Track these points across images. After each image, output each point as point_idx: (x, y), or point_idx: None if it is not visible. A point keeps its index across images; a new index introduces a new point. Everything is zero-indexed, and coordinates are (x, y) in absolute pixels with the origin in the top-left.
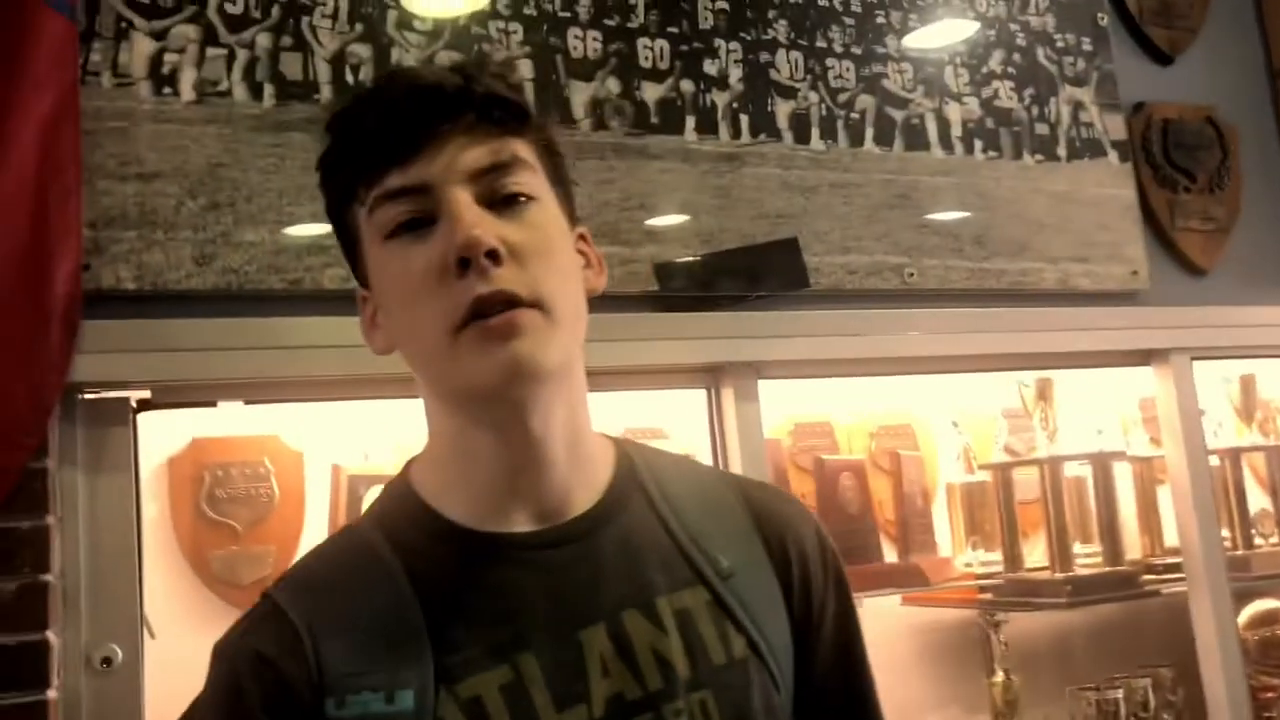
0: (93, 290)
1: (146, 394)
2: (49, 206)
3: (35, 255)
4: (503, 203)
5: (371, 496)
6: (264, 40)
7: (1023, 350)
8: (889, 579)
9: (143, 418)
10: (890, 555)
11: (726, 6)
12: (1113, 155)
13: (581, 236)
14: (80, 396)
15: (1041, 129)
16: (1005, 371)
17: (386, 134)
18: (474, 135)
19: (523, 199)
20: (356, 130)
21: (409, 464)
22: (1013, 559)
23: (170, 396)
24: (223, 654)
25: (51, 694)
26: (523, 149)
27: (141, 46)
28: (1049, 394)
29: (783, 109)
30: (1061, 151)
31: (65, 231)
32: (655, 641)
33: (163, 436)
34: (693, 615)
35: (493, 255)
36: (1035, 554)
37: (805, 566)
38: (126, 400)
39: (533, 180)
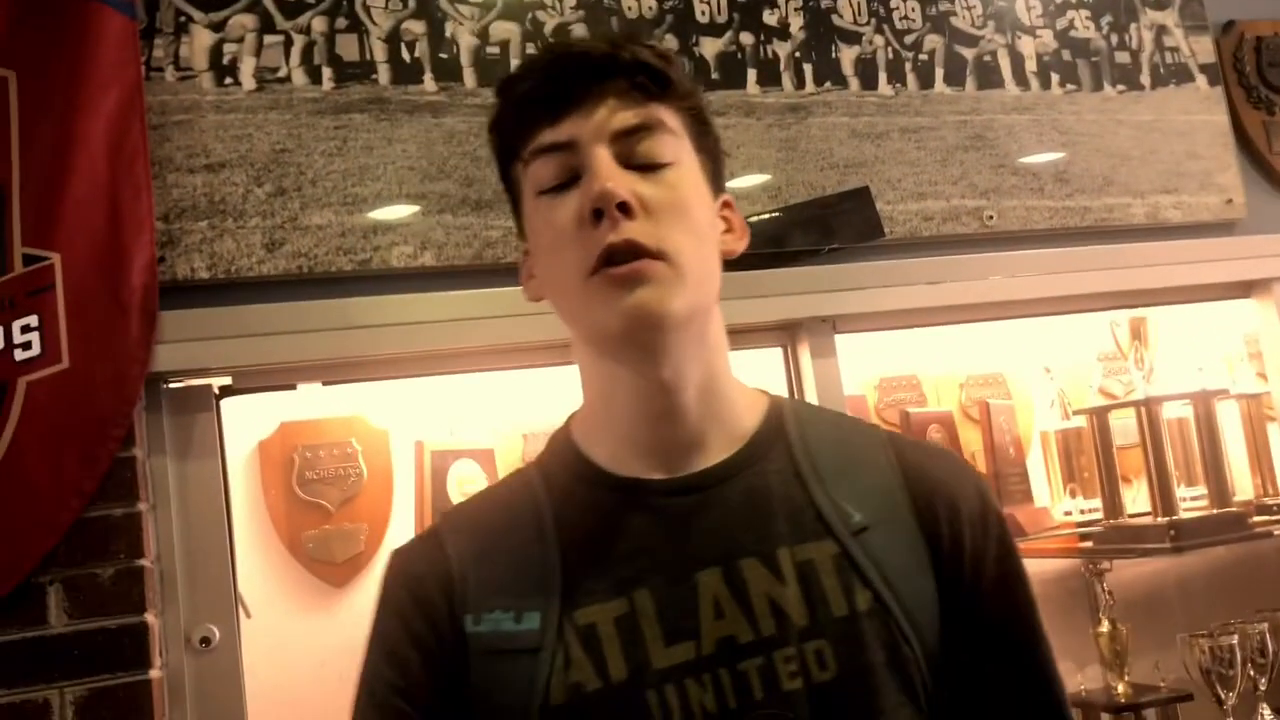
0: (168, 281)
1: (228, 380)
2: (121, 203)
3: (111, 251)
4: (643, 163)
5: (456, 471)
6: (319, 24)
7: (1113, 289)
8: None
9: (229, 403)
10: None
11: None
12: (1201, 79)
13: (726, 204)
14: (164, 385)
15: (1122, 57)
16: (1096, 313)
17: (541, 94)
18: (622, 99)
19: (662, 160)
20: (516, 92)
21: (572, 415)
22: (1113, 506)
23: (250, 381)
24: (388, 565)
25: (154, 673)
26: (667, 115)
27: (201, 39)
28: (1143, 333)
29: (847, 55)
30: (1145, 79)
31: (138, 226)
32: (771, 590)
33: (252, 421)
34: (816, 567)
35: (624, 208)
36: (1138, 500)
37: (957, 529)
38: (209, 387)
39: (675, 144)
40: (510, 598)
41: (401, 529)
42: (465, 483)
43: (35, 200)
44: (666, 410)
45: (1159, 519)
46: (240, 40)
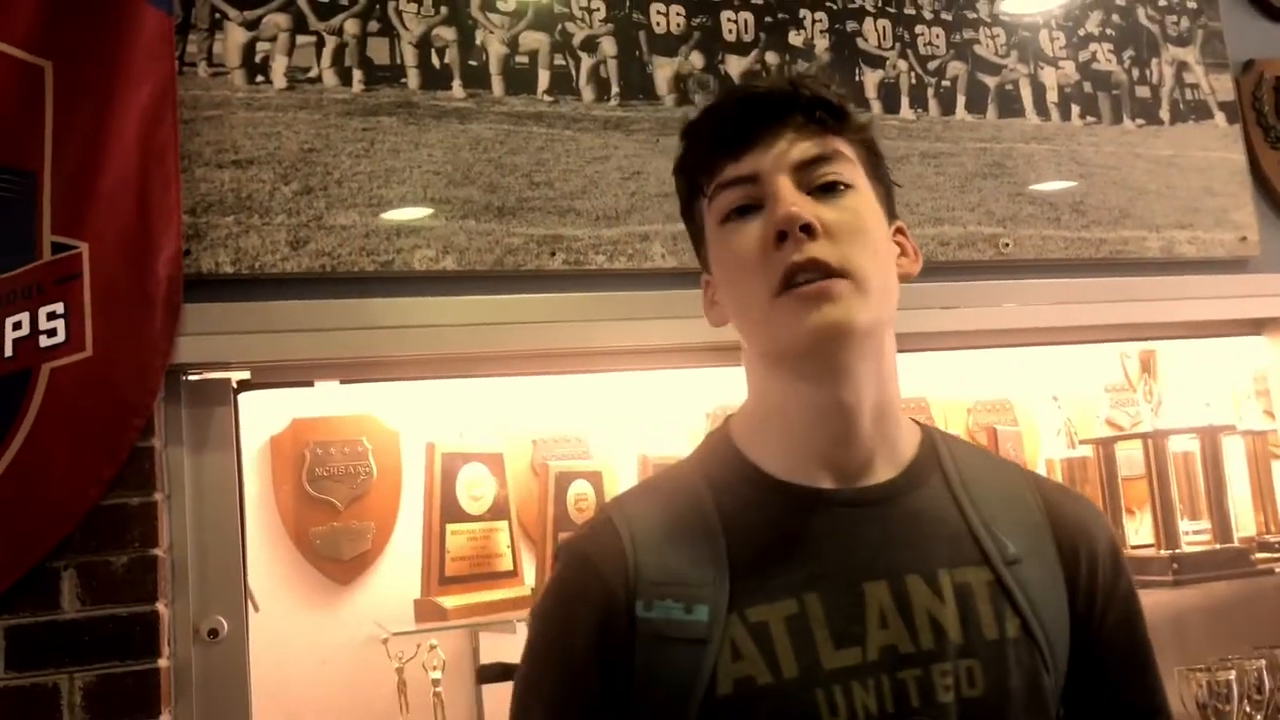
0: (193, 274)
1: (246, 374)
2: (150, 195)
3: (139, 242)
4: (822, 189)
5: (466, 474)
6: (351, 26)
7: (1125, 321)
8: None
9: (244, 398)
10: None
11: None
12: (1220, 117)
13: (899, 230)
14: (184, 377)
15: (1142, 92)
16: (1107, 344)
17: (724, 132)
18: (800, 133)
19: (841, 186)
20: (701, 132)
21: (729, 418)
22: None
23: (269, 377)
24: (561, 552)
25: (162, 662)
26: (843, 145)
27: (235, 36)
28: (1152, 366)
29: (870, 78)
30: (1164, 114)
31: (166, 218)
32: (932, 606)
33: (264, 416)
34: (972, 590)
35: (807, 229)
36: (1141, 532)
37: (1094, 570)
38: (228, 381)
39: (851, 171)
40: (681, 587)
41: (408, 529)
42: (474, 486)
43: (66, 189)
44: (844, 427)
45: (1161, 551)
46: (273, 39)
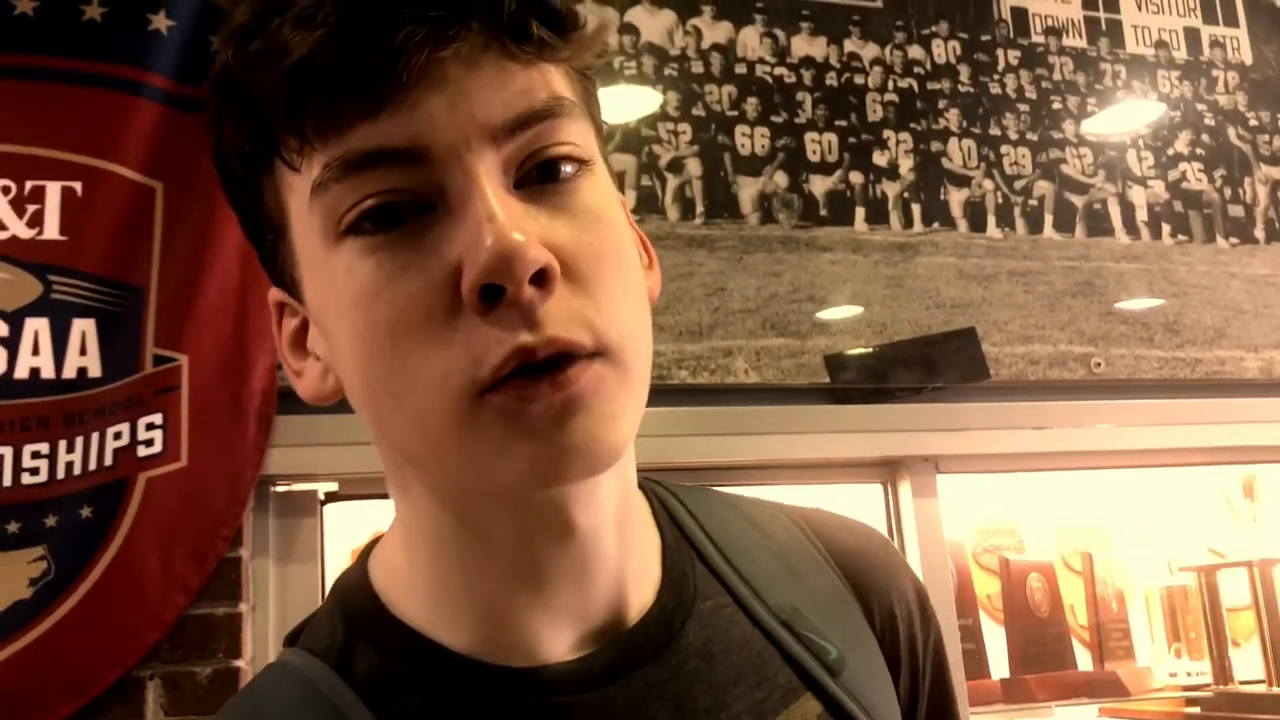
0: (285, 388)
1: (334, 486)
2: (249, 310)
3: (236, 356)
4: (541, 174)
5: None
6: None
7: (1222, 444)
8: (1085, 689)
9: (329, 510)
10: (1085, 663)
11: (896, 99)
12: None
13: (625, 206)
14: (272, 489)
15: (1235, 210)
16: (1206, 466)
17: (346, 55)
18: (493, 64)
19: (570, 167)
20: (288, 40)
21: (365, 558)
22: (1222, 670)
23: (355, 489)
24: None
25: None
26: (560, 81)
27: None
28: (1255, 490)
29: (956, 197)
30: (1259, 233)
31: (263, 333)
32: None
33: (348, 528)
34: None
35: (541, 276)
36: (1248, 665)
37: (912, 633)
38: (314, 492)
39: (581, 132)
40: None
41: None
42: None
43: (170, 304)
44: (577, 566)
45: (1274, 688)
46: None
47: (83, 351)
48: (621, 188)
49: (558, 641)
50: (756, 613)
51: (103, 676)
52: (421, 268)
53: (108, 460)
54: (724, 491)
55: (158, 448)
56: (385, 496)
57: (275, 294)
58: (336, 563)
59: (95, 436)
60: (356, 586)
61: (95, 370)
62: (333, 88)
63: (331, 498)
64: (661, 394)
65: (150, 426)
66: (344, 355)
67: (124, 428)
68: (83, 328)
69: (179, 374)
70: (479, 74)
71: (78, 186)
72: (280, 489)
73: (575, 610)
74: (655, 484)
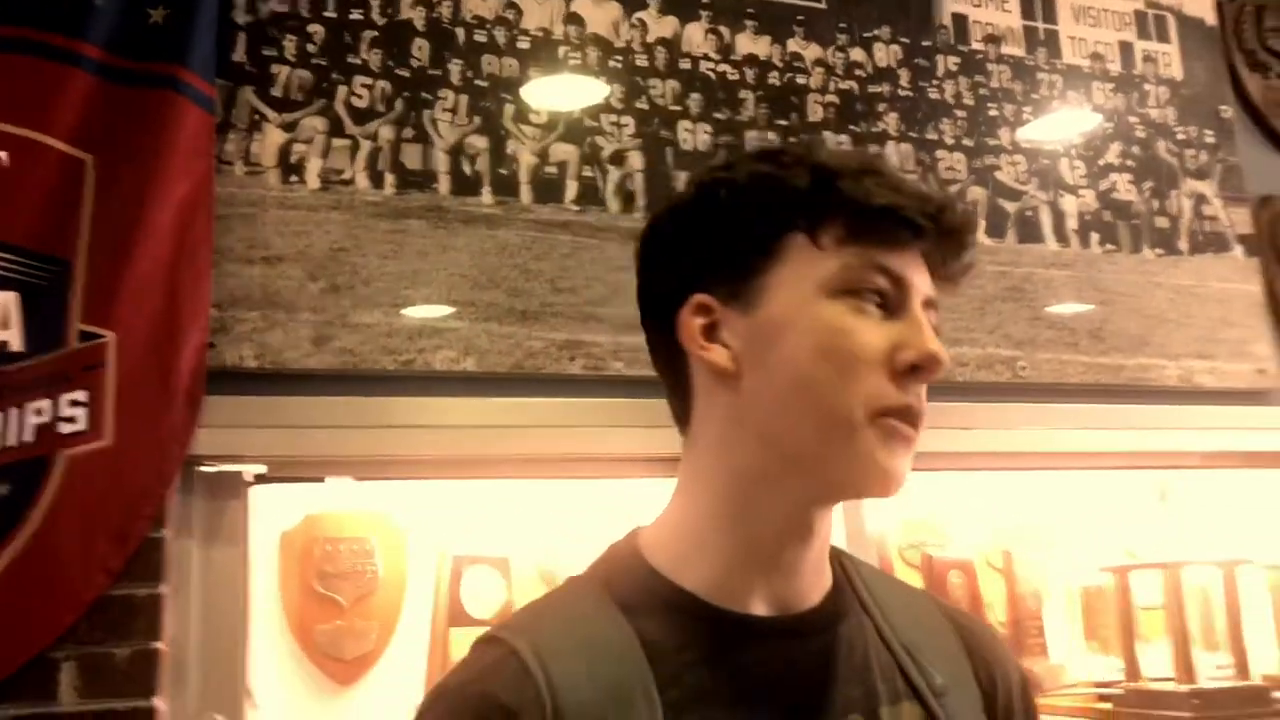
0: (215, 367)
1: (262, 469)
2: (180, 289)
3: (166, 335)
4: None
5: (472, 577)
6: (387, 132)
7: (1142, 449)
8: None
9: (257, 492)
10: None
11: (837, 100)
12: (1238, 249)
13: None
14: (198, 469)
15: (1162, 222)
16: (1125, 470)
17: (891, 211)
18: (936, 265)
19: (933, 314)
20: (858, 183)
21: (635, 531)
22: (1133, 667)
23: (285, 471)
24: (446, 698)
25: None
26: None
27: (272, 137)
28: (1172, 495)
29: None
30: (1183, 245)
31: (195, 311)
32: None
33: (276, 511)
34: None
35: (930, 376)
36: (1155, 664)
37: (1010, 704)
38: (241, 474)
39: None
40: None
41: (411, 630)
42: (481, 589)
43: (98, 279)
44: (804, 555)
45: (1181, 686)
46: (309, 141)
47: (4, 325)
48: (563, 179)
49: (759, 605)
50: (888, 637)
51: (15, 657)
52: (879, 337)
53: (27, 437)
54: (873, 565)
55: (81, 425)
56: (311, 480)
57: (700, 298)
58: (264, 546)
59: (15, 412)
60: (627, 545)
61: (17, 344)
62: (888, 225)
63: (260, 480)
64: (599, 385)
65: (74, 404)
66: (791, 363)
67: (46, 404)
68: (4, 300)
69: (105, 351)
70: (929, 265)
71: (4, 156)
72: (207, 470)
73: (778, 587)
74: (838, 549)
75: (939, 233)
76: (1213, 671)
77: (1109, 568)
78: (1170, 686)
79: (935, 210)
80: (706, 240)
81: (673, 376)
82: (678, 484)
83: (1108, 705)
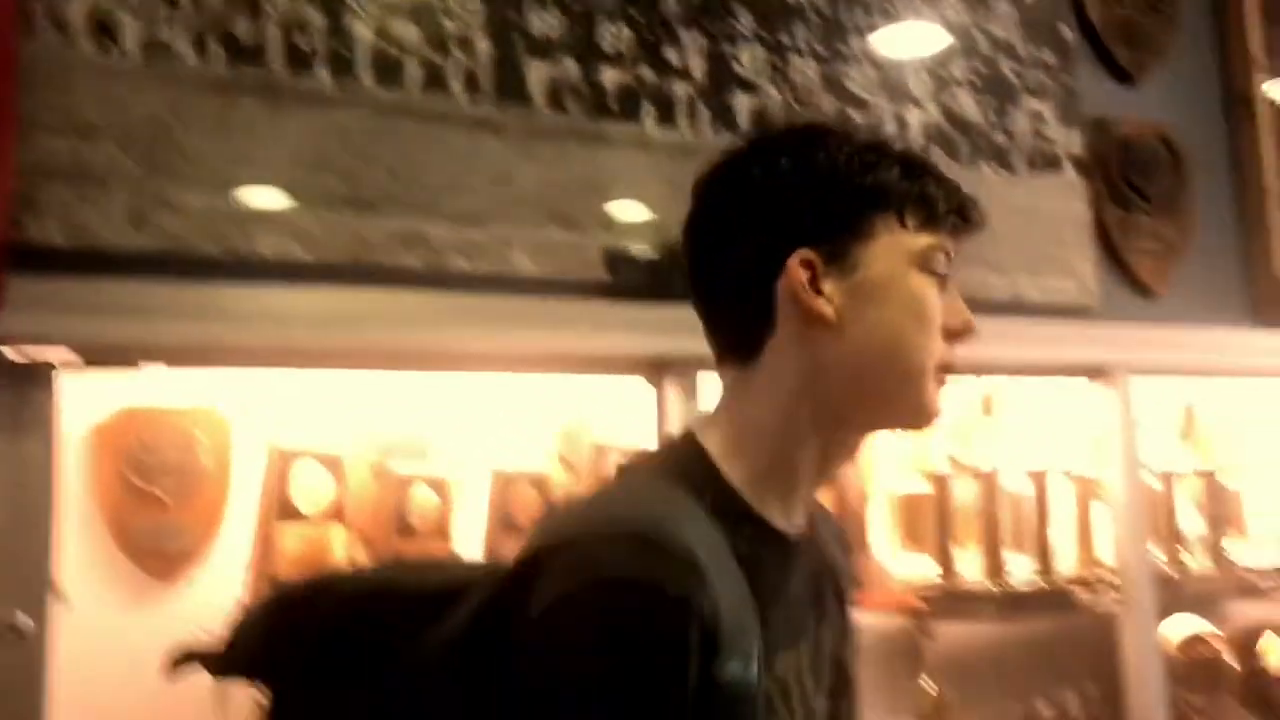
0: (20, 244)
1: (70, 355)
2: None
3: None
4: None
5: (301, 472)
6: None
7: (966, 358)
8: None
9: (73, 383)
10: None
11: None
12: (1069, 170)
13: None
14: (1, 354)
15: (1000, 139)
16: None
17: (955, 207)
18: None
19: None
20: (941, 186)
21: (695, 438)
22: (947, 569)
23: (98, 359)
24: (633, 588)
25: None
26: None
27: None
28: (992, 406)
29: (744, 103)
30: (1019, 163)
31: None
32: (839, 653)
33: (91, 403)
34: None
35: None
36: (969, 567)
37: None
38: (47, 362)
39: None
40: (741, 639)
41: (236, 527)
42: (309, 485)
43: None
44: (826, 485)
45: (990, 587)
46: (128, 5)
47: None
48: (401, 61)
49: (780, 517)
50: (827, 552)
51: None
52: (943, 305)
53: None
54: None
55: None
56: (126, 365)
57: (806, 253)
58: (74, 440)
59: None
60: (694, 448)
61: None
62: (954, 217)
63: (69, 368)
64: (437, 281)
65: None
66: (888, 323)
67: None
68: None
69: None
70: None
71: None
72: (10, 355)
73: (795, 505)
74: None
75: (969, 225)
76: (1029, 577)
77: (929, 474)
78: (979, 588)
79: (973, 207)
80: (813, 206)
81: (741, 311)
82: (735, 408)
83: (921, 604)
